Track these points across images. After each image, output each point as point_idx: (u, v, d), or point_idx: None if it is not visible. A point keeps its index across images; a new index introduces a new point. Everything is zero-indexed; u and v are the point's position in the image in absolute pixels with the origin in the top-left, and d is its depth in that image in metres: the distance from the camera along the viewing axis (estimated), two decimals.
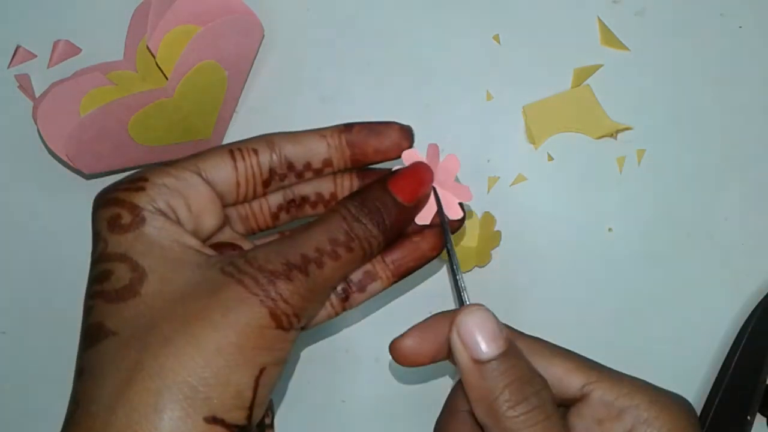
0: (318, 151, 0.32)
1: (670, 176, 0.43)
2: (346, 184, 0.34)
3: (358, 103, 0.44)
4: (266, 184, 0.32)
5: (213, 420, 0.26)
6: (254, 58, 0.44)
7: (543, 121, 0.44)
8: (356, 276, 0.33)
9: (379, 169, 0.34)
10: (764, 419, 0.41)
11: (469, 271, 0.43)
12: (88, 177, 0.44)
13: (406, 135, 0.33)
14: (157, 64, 0.40)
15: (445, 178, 0.33)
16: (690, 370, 0.42)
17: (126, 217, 0.29)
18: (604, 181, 0.44)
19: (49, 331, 0.43)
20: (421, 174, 0.32)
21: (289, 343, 0.29)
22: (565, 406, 0.31)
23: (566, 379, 0.31)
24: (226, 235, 0.33)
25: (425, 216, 0.33)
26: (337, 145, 0.32)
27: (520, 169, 0.44)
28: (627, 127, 0.44)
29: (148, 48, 0.40)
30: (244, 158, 0.31)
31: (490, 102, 0.44)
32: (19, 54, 0.45)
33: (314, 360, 0.43)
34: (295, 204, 0.34)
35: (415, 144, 0.33)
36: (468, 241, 0.43)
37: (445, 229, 0.33)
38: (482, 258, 0.42)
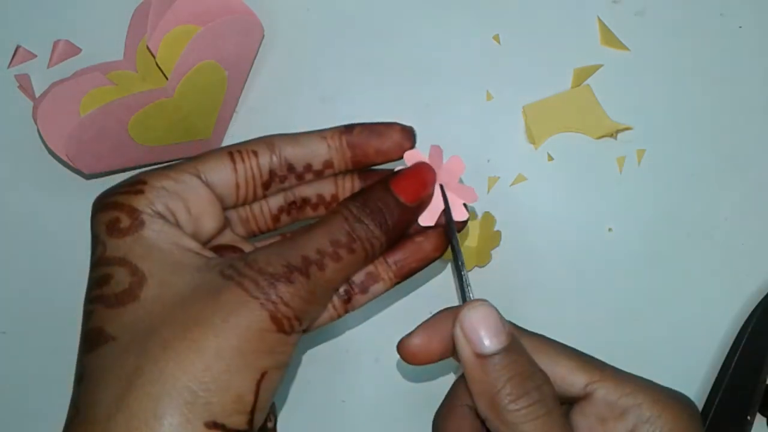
0: (318, 152, 0.32)
1: (670, 176, 0.43)
2: (348, 186, 0.34)
3: (358, 103, 0.44)
4: (266, 186, 0.32)
5: (213, 425, 0.26)
6: (254, 58, 0.44)
7: (543, 121, 0.44)
8: (358, 277, 0.33)
9: (381, 170, 0.34)
10: (764, 419, 0.41)
11: (469, 271, 0.43)
12: (88, 177, 0.44)
13: (408, 136, 0.32)
14: (157, 64, 0.40)
15: (449, 179, 0.33)
16: (690, 370, 0.42)
17: (125, 221, 0.29)
18: (604, 181, 0.44)
19: (49, 331, 0.43)
20: (423, 174, 0.32)
21: (290, 347, 0.28)
22: (569, 403, 0.32)
23: (569, 378, 0.31)
24: (226, 238, 0.32)
25: (429, 217, 0.33)
26: (338, 147, 0.32)
27: (520, 169, 0.44)
28: (627, 127, 0.44)
29: (148, 48, 0.40)
30: (243, 160, 0.31)
31: (490, 102, 0.44)
32: (19, 54, 0.45)
33: (315, 360, 0.43)
34: (295, 206, 0.34)
35: (416, 144, 0.32)
36: (468, 241, 0.43)
37: (452, 228, 0.32)
38: (482, 258, 0.43)
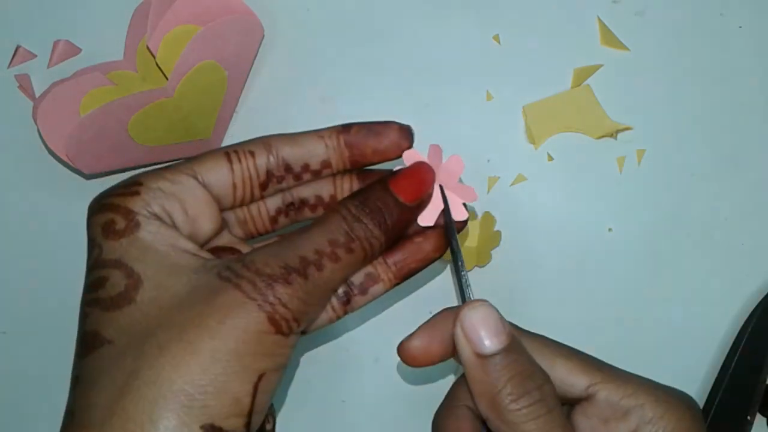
0: (316, 152, 0.32)
1: (670, 176, 0.43)
2: (346, 186, 0.34)
3: (358, 103, 0.44)
4: (264, 186, 0.32)
5: (210, 428, 0.26)
6: (254, 58, 0.44)
7: (543, 121, 0.44)
8: (357, 278, 0.33)
9: (380, 170, 0.34)
10: (764, 419, 0.41)
11: (469, 270, 0.43)
12: (88, 177, 0.44)
13: (406, 135, 0.32)
14: (157, 64, 0.40)
15: (448, 178, 0.32)
16: (690, 370, 0.42)
17: (120, 223, 0.28)
18: (604, 181, 0.44)
19: (49, 331, 0.43)
20: (422, 174, 0.31)
21: (288, 349, 0.28)
22: (570, 404, 0.31)
23: (570, 380, 0.31)
24: (224, 239, 0.32)
25: (429, 217, 0.32)
26: (336, 146, 0.32)
27: (520, 169, 0.44)
28: (627, 127, 0.44)
29: (148, 48, 0.40)
30: (240, 160, 0.31)
31: (490, 102, 0.44)
32: (19, 54, 0.45)
33: (315, 360, 0.43)
34: (294, 207, 0.34)
35: (415, 144, 0.32)
36: (468, 241, 0.43)
37: (452, 228, 0.32)
38: (482, 258, 0.43)
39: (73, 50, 0.45)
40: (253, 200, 0.32)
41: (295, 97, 0.45)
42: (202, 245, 0.31)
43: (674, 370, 0.41)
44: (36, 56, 0.45)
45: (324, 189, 0.34)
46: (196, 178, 0.30)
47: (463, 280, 0.31)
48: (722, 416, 0.40)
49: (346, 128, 0.32)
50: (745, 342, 0.41)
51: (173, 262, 0.28)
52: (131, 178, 0.30)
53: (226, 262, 0.28)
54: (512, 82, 0.44)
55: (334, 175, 0.33)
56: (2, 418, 0.44)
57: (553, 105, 0.44)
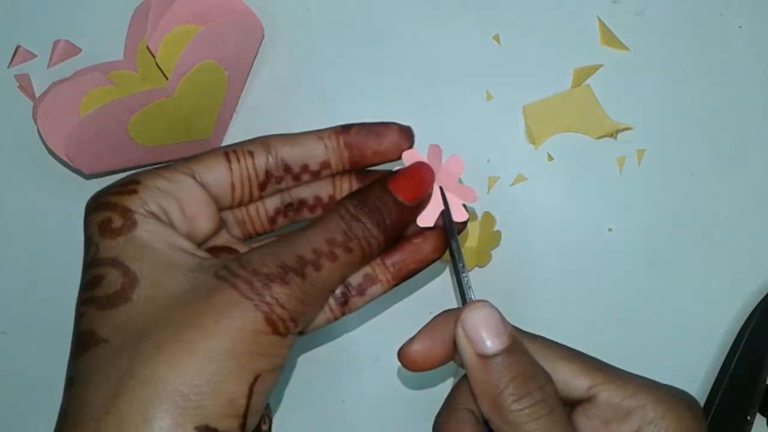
0: (315, 152, 0.32)
1: (670, 176, 0.43)
2: (345, 187, 0.33)
3: (358, 103, 0.44)
4: (262, 186, 0.32)
5: (205, 429, 0.26)
6: (254, 58, 0.44)
7: (543, 121, 0.44)
8: (355, 279, 0.33)
9: (379, 171, 0.34)
10: (764, 419, 0.41)
11: (470, 270, 0.43)
12: (88, 177, 0.44)
13: (406, 136, 0.32)
14: (157, 64, 0.40)
15: (448, 179, 0.32)
16: (690, 370, 0.42)
17: (117, 221, 0.28)
18: (604, 181, 0.44)
19: (49, 331, 0.43)
20: (422, 173, 0.31)
21: (285, 349, 0.28)
22: (571, 405, 0.31)
23: (571, 381, 0.31)
24: (222, 239, 0.32)
25: (428, 218, 0.32)
26: (335, 147, 0.32)
27: (520, 169, 0.44)
28: (627, 127, 0.44)
29: (148, 48, 0.40)
30: (239, 160, 0.31)
31: (490, 102, 0.44)
32: (19, 54, 0.45)
33: (315, 360, 0.43)
34: (293, 207, 0.34)
35: (415, 144, 0.32)
36: (468, 241, 0.43)
37: (452, 229, 0.32)
38: (482, 258, 0.42)
39: (73, 50, 0.45)
40: (251, 200, 0.32)
41: (295, 97, 0.45)
42: (199, 245, 0.31)
43: (674, 370, 0.41)
44: (36, 56, 0.45)
45: (323, 190, 0.34)
46: (194, 177, 0.30)
47: (464, 281, 0.31)
48: (722, 416, 0.40)
49: (345, 129, 0.32)
50: (745, 342, 0.41)
51: (170, 260, 0.28)
52: (129, 176, 0.30)
53: (224, 261, 0.28)
54: (512, 82, 0.44)
55: (333, 176, 0.33)
56: (2, 418, 0.44)
57: (553, 105, 0.44)
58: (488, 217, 0.43)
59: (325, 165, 0.32)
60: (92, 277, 0.28)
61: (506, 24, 0.44)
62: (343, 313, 0.33)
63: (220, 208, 0.32)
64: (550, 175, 0.44)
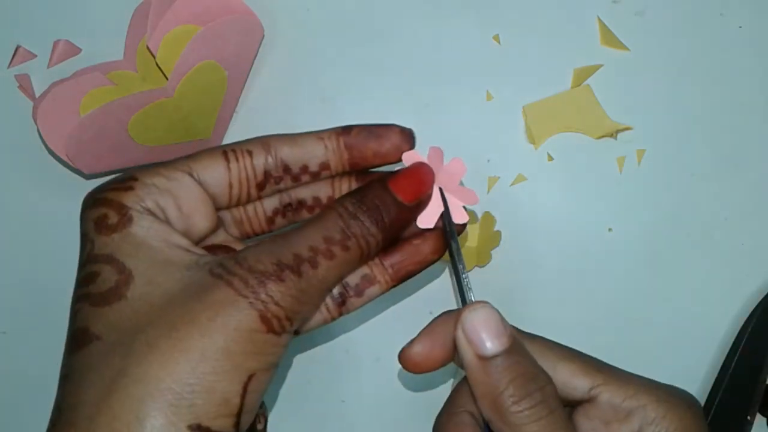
0: (315, 153, 0.31)
1: (670, 176, 0.43)
2: (344, 188, 0.33)
3: (358, 103, 0.44)
4: (261, 186, 0.32)
5: (198, 428, 0.25)
6: (254, 58, 0.44)
7: (543, 121, 0.44)
8: (353, 280, 0.33)
9: (379, 172, 0.33)
10: (764, 419, 0.41)
11: (470, 271, 0.43)
12: (88, 177, 0.44)
13: (407, 138, 0.32)
14: (157, 64, 0.40)
15: (449, 181, 0.32)
16: (690, 370, 0.42)
17: (113, 217, 0.28)
18: (604, 181, 0.44)
19: (49, 331, 0.43)
20: (422, 174, 0.31)
21: (280, 348, 0.28)
22: (572, 406, 0.31)
23: (572, 382, 0.30)
24: (219, 238, 0.32)
25: (429, 219, 0.32)
26: (335, 148, 0.31)
27: (520, 169, 0.44)
28: (627, 127, 0.44)
29: (148, 48, 0.40)
30: (237, 159, 0.31)
31: (490, 102, 0.44)
32: (19, 54, 0.45)
33: (314, 360, 0.43)
34: (291, 208, 0.33)
35: (416, 145, 0.32)
36: (468, 241, 0.43)
37: (452, 231, 0.32)
38: (482, 258, 0.43)
39: (73, 50, 0.45)
40: (249, 200, 0.32)
41: (295, 97, 0.45)
42: (196, 243, 0.31)
43: (674, 370, 0.41)
44: (36, 56, 0.45)
45: (322, 191, 0.33)
46: (191, 175, 0.30)
47: (464, 282, 0.31)
48: (722, 416, 0.40)
49: (346, 130, 0.32)
50: (745, 342, 0.41)
51: (166, 257, 0.28)
52: (126, 173, 0.30)
53: (219, 258, 0.28)
54: (512, 82, 0.44)
55: (332, 177, 0.33)
56: (2, 418, 0.44)
57: (553, 105, 0.44)
58: (488, 217, 0.43)
59: (325, 166, 0.32)
60: (87, 274, 0.28)
61: (506, 24, 0.44)
62: (341, 314, 0.33)
63: (218, 207, 0.32)
64: (550, 175, 0.44)
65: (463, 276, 0.31)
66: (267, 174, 0.31)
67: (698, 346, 0.43)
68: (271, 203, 0.33)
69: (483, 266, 0.43)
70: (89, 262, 0.28)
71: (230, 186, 0.31)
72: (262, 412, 0.32)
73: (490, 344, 0.28)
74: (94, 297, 0.27)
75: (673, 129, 0.44)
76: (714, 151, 0.43)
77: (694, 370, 0.42)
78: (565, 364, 0.31)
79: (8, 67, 0.45)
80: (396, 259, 0.33)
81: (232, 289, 0.27)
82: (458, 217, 0.33)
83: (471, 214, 0.43)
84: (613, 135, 0.44)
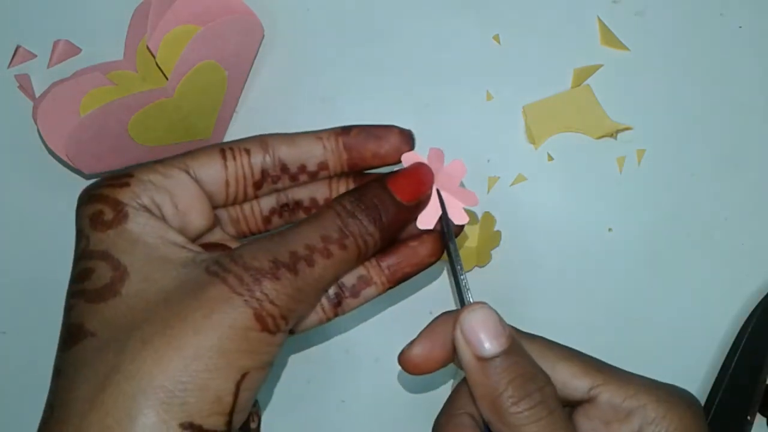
0: (313, 153, 0.31)
1: (670, 176, 0.43)
2: (342, 189, 0.33)
3: (358, 103, 0.44)
4: (258, 185, 0.31)
5: (190, 426, 0.25)
6: (254, 58, 0.44)
7: (543, 121, 0.44)
8: (349, 280, 0.32)
9: (377, 173, 0.33)
10: (764, 419, 0.41)
11: (469, 271, 0.43)
12: (88, 177, 0.44)
13: (406, 139, 0.32)
14: (157, 64, 0.40)
15: (449, 182, 0.32)
16: (690, 370, 0.42)
17: (108, 214, 0.28)
18: (604, 181, 0.44)
19: (49, 331, 0.43)
20: (421, 174, 0.31)
21: (275, 347, 0.28)
22: (572, 406, 0.31)
23: (572, 383, 0.30)
24: (216, 237, 0.32)
25: (428, 220, 0.32)
26: (334, 148, 0.31)
27: (520, 169, 0.44)
28: (627, 127, 0.44)
29: (148, 48, 0.40)
30: (234, 157, 0.31)
31: (490, 102, 0.44)
32: (19, 54, 0.45)
33: (315, 360, 0.43)
34: (288, 208, 0.33)
35: (415, 146, 0.32)
36: (468, 241, 0.43)
37: (450, 232, 0.32)
38: (482, 258, 0.43)
39: (73, 50, 0.45)
40: (246, 199, 0.32)
41: (295, 97, 0.45)
42: (193, 241, 0.30)
43: (674, 370, 0.41)
44: (36, 56, 0.45)
45: (319, 191, 0.33)
46: (188, 173, 0.30)
47: (462, 283, 0.31)
48: (722, 416, 0.40)
49: (345, 130, 0.32)
50: (745, 342, 0.41)
51: (161, 254, 0.28)
52: (123, 170, 0.30)
53: (216, 256, 0.28)
54: (512, 82, 0.44)
55: (330, 177, 0.33)
56: (2, 418, 0.44)
57: (553, 105, 0.44)
58: (488, 217, 0.43)
59: (323, 166, 0.32)
60: (82, 270, 0.28)
61: (506, 24, 0.44)
62: (336, 314, 0.33)
63: (215, 205, 0.31)
64: (550, 175, 0.44)
65: (462, 277, 0.31)
66: (264, 173, 0.31)
67: (698, 346, 0.43)
68: (268, 203, 0.33)
69: (483, 266, 0.43)
70: (84, 258, 0.28)
71: (227, 184, 0.31)
72: (255, 411, 0.32)
73: (489, 345, 0.28)
74: (89, 293, 0.27)
75: (673, 129, 0.44)
76: (714, 151, 0.43)
77: (694, 370, 0.42)
78: (564, 365, 0.31)
79: (8, 67, 0.45)
80: (393, 260, 0.33)
81: (227, 286, 0.26)
82: (458, 218, 0.32)
83: (471, 214, 0.43)
84: (613, 135, 0.44)
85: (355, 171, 0.32)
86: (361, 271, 0.33)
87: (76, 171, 0.43)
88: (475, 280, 0.43)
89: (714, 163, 0.43)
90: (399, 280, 0.33)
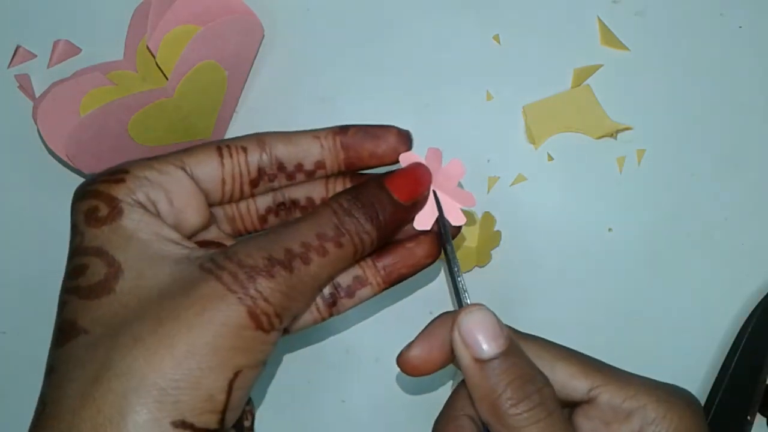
0: (311, 152, 0.31)
1: (670, 176, 0.43)
2: (339, 189, 0.33)
3: (358, 103, 0.44)
4: (254, 183, 0.31)
5: (182, 424, 0.25)
6: (254, 58, 0.44)
7: (543, 121, 0.44)
8: (345, 280, 0.32)
9: (374, 173, 0.33)
10: (764, 419, 0.41)
11: (469, 271, 0.43)
12: (88, 177, 0.44)
13: (404, 140, 0.31)
14: (157, 64, 0.40)
15: (447, 183, 0.32)
16: (690, 370, 0.42)
17: (103, 210, 0.28)
18: (604, 181, 0.44)
19: (49, 331, 0.43)
20: (419, 174, 0.31)
21: (268, 345, 0.27)
22: (571, 406, 0.31)
23: (571, 383, 0.30)
24: (212, 234, 0.32)
25: (425, 221, 0.32)
26: (331, 147, 0.31)
27: (520, 169, 0.44)
28: (627, 127, 0.44)
29: (148, 48, 0.40)
30: (231, 155, 0.30)
31: (490, 102, 0.44)
32: (19, 54, 0.45)
33: (315, 360, 0.43)
34: (284, 207, 0.33)
35: (415, 145, 0.32)
36: (468, 241, 0.43)
37: (446, 233, 0.32)
38: (482, 258, 0.42)
39: (73, 50, 0.45)
40: (242, 197, 0.32)
41: (295, 97, 0.45)
42: (188, 238, 0.30)
43: (674, 370, 0.41)
44: (36, 56, 0.45)
45: (316, 191, 0.33)
46: (184, 170, 0.30)
47: (460, 285, 0.31)
48: (722, 416, 0.40)
49: (343, 129, 0.31)
50: (745, 342, 0.41)
51: (156, 251, 0.28)
52: (118, 165, 0.29)
53: (210, 253, 0.28)
54: (512, 82, 0.44)
55: (327, 177, 0.33)
56: (2, 418, 0.44)
57: (553, 105, 0.44)
58: (488, 217, 0.43)
59: (320, 165, 0.32)
60: (76, 266, 0.28)
61: (506, 24, 0.44)
62: (331, 314, 0.33)
63: (211, 203, 0.31)
64: (550, 175, 0.44)
65: (459, 278, 0.31)
66: (261, 171, 0.31)
67: (698, 346, 0.43)
68: (264, 201, 0.33)
69: (483, 266, 0.43)
70: (78, 255, 0.28)
71: (223, 182, 0.31)
72: (249, 409, 0.32)
73: (487, 346, 0.28)
74: (82, 290, 0.27)
75: (673, 129, 0.44)
76: (714, 151, 0.43)
77: (694, 370, 0.42)
78: (564, 365, 0.31)
79: (8, 67, 0.45)
80: (389, 261, 0.33)
81: (221, 283, 0.26)
82: (455, 219, 0.32)
83: (471, 214, 0.43)
84: (613, 135, 0.44)
85: (352, 171, 0.32)
86: (356, 271, 0.33)
87: (76, 171, 0.43)
88: (475, 280, 0.43)
89: (714, 163, 0.43)
90: (395, 281, 0.33)
